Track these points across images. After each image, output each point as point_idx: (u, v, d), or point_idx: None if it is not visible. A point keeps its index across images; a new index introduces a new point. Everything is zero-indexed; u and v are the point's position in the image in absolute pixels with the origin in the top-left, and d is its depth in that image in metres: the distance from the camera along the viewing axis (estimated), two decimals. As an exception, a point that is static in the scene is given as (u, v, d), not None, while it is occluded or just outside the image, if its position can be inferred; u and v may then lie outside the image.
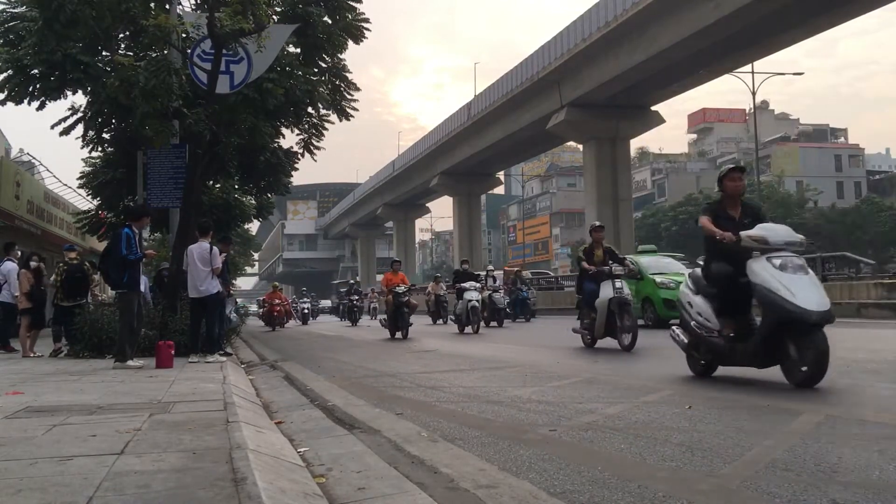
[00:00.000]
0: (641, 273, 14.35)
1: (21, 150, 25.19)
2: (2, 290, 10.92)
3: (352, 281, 32.83)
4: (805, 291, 4.76)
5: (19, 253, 11.22)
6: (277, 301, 24.09)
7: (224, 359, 8.83)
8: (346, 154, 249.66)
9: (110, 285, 8.88)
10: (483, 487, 2.77)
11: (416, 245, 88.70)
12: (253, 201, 19.19)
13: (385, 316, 14.96)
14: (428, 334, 15.23)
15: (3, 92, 11.71)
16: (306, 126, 14.23)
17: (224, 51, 10.09)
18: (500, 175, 64.17)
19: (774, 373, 6.08)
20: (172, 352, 7.99)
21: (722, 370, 5.75)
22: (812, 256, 22.70)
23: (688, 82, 36.58)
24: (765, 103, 72.21)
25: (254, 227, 44.09)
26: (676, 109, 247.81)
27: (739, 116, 77.59)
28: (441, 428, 4.07)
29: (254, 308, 68.36)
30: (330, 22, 12.73)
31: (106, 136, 14.36)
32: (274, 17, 11.39)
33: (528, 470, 3.03)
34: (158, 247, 18.47)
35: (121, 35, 12.16)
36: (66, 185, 24.23)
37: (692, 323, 5.66)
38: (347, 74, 13.80)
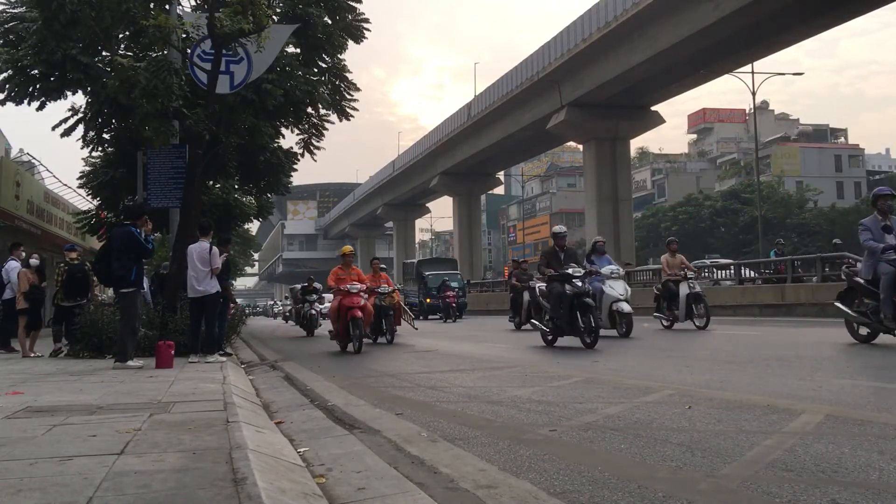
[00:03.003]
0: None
1: (21, 150, 25.23)
2: (6, 289, 10.94)
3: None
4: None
5: (23, 254, 11.24)
6: (357, 285, 10.90)
7: (224, 359, 8.84)
8: (346, 154, 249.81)
9: (110, 285, 8.87)
10: (483, 487, 2.77)
11: (416, 245, 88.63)
12: (253, 201, 19.20)
13: None
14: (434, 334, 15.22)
15: (3, 92, 11.70)
16: (306, 126, 14.25)
17: (224, 51, 10.09)
18: (500, 175, 64.14)
19: (774, 375, 6.09)
20: (172, 352, 8.00)
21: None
22: (811, 257, 22.65)
23: (688, 82, 36.52)
24: (765, 103, 72.18)
25: (254, 227, 44.09)
26: (676, 109, 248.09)
27: (739, 116, 77.55)
28: (441, 428, 4.07)
29: (274, 304, 65.04)
30: (330, 22, 12.74)
31: (106, 136, 14.37)
32: (274, 17, 11.39)
33: (528, 470, 3.03)
34: (158, 247, 18.47)
35: (121, 35, 12.15)
36: (66, 185, 24.31)
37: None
38: (347, 74, 13.82)
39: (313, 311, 18.17)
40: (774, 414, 4.09)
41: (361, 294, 10.96)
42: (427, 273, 31.44)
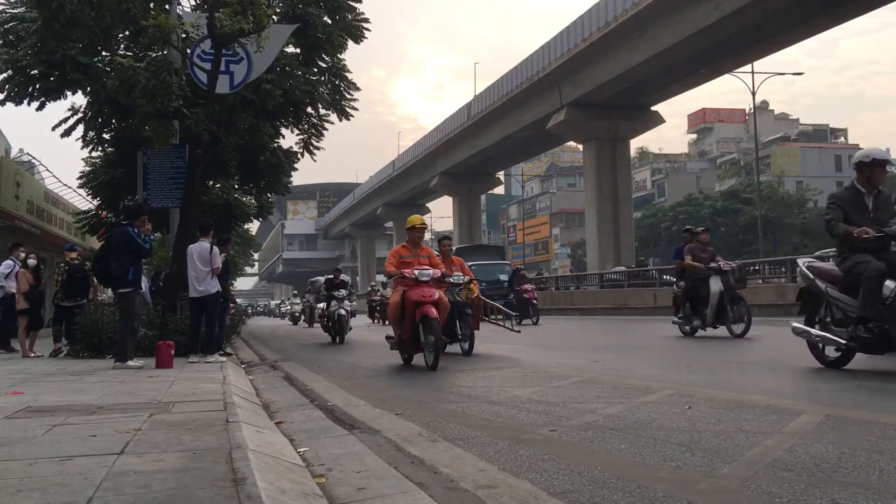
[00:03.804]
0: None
1: (21, 150, 25.21)
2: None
3: None
4: None
5: (21, 255, 11.26)
6: (429, 271, 7.71)
7: (224, 359, 8.85)
8: (346, 154, 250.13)
9: (109, 285, 8.88)
10: (483, 487, 2.77)
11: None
12: (253, 201, 19.19)
13: None
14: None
15: (2, 92, 11.70)
16: (306, 126, 14.24)
17: (224, 51, 10.10)
18: (500, 175, 64.19)
19: (775, 374, 6.08)
20: (172, 352, 8.00)
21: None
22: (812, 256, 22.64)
23: (688, 82, 36.57)
24: (765, 103, 72.18)
25: (254, 227, 43.97)
26: (676, 109, 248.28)
27: (739, 116, 77.57)
28: (441, 428, 4.06)
29: (281, 303, 62.38)
30: (330, 22, 12.74)
31: (106, 136, 14.37)
32: (274, 17, 11.39)
33: (528, 470, 3.03)
34: (158, 247, 18.46)
35: (121, 35, 12.15)
36: (66, 185, 24.30)
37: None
38: (347, 74, 13.82)
39: (342, 312, 14.03)
40: (774, 414, 4.09)
41: (434, 284, 7.67)
42: (469, 264, 26.70)
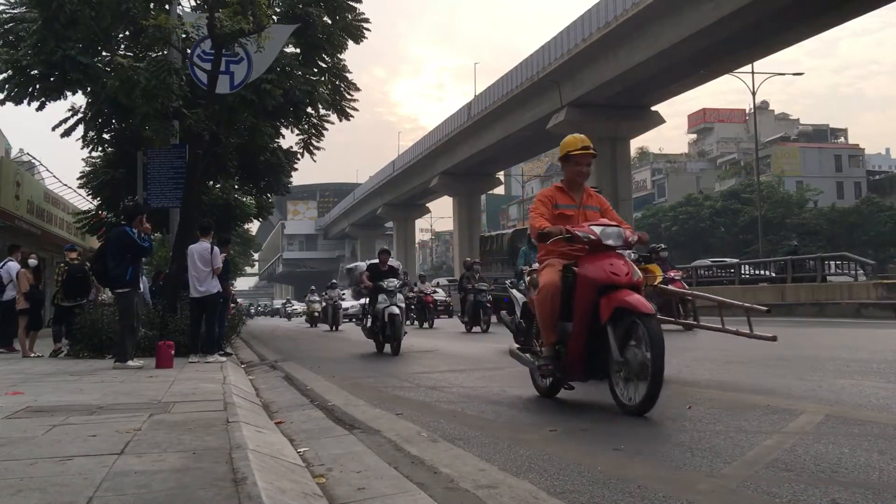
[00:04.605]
0: None
1: (21, 150, 25.22)
2: (6, 290, 10.96)
3: None
4: None
5: (20, 256, 11.25)
6: (614, 229, 4.44)
7: (224, 359, 8.85)
8: (346, 154, 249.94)
9: (108, 286, 8.89)
10: (483, 487, 2.77)
11: (416, 245, 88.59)
12: (253, 201, 19.20)
13: None
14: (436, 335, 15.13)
15: (2, 92, 11.69)
16: (306, 126, 14.25)
17: (224, 51, 10.10)
18: (500, 175, 64.17)
19: (775, 374, 6.07)
20: (172, 352, 8.00)
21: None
22: (812, 257, 22.71)
23: (688, 82, 36.58)
24: (765, 103, 72.15)
25: (254, 227, 43.91)
26: (676, 109, 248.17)
27: (739, 116, 77.53)
28: (441, 428, 4.06)
29: (287, 302, 59.65)
30: (330, 22, 12.76)
31: (106, 136, 14.37)
32: (274, 17, 11.39)
33: (528, 470, 3.03)
34: (158, 247, 18.47)
35: (121, 35, 12.15)
36: (66, 185, 24.30)
37: None
38: (347, 74, 13.84)
39: (395, 310, 10.21)
40: (774, 414, 4.09)
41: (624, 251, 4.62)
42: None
